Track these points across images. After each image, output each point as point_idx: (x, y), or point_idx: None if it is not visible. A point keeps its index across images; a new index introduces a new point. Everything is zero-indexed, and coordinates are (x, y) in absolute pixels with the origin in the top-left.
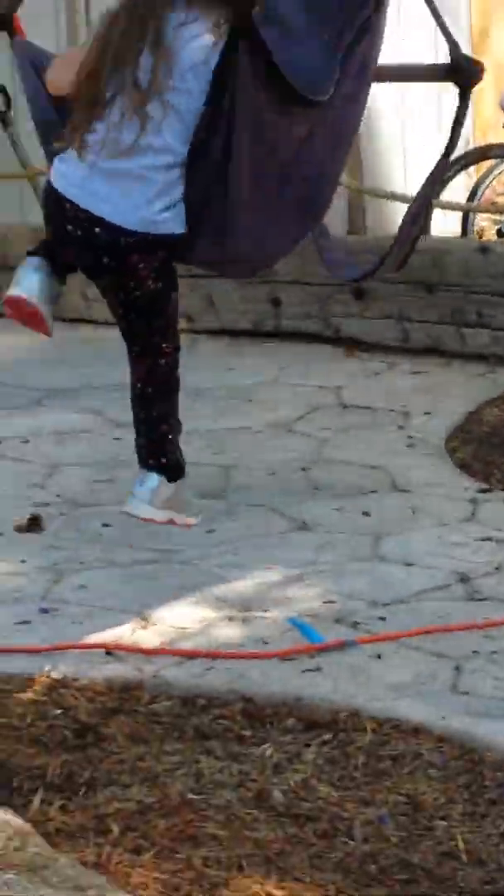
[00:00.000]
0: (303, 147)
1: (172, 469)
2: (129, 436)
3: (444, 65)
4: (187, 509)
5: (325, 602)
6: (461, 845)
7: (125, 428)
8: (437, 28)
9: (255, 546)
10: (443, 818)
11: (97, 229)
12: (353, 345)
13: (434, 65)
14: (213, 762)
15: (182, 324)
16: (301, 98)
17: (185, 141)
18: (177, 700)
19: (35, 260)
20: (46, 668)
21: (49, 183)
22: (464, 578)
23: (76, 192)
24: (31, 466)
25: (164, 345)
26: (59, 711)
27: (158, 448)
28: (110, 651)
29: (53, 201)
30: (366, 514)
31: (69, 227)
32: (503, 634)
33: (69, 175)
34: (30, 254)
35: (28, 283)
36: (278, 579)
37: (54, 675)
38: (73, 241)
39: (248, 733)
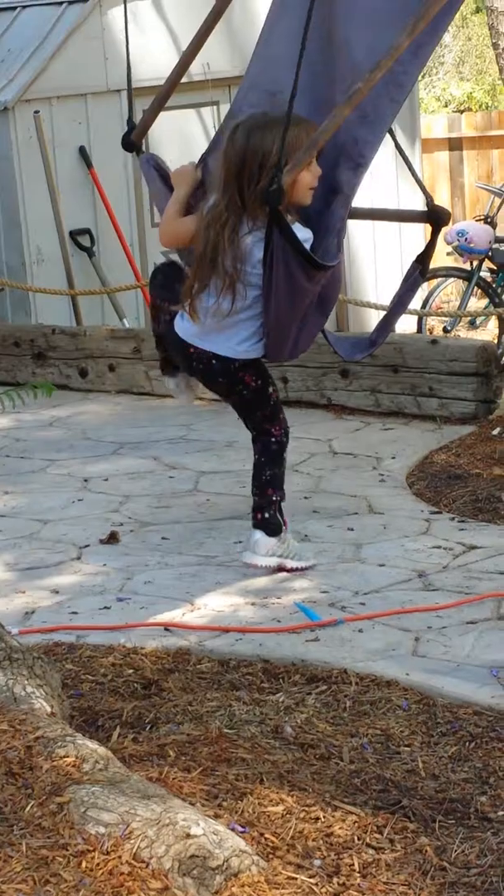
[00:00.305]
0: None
1: (271, 525)
2: (181, 475)
3: (423, 211)
4: (300, 555)
5: (321, 592)
6: (420, 765)
7: (178, 469)
8: (414, 181)
9: None
10: (407, 746)
11: (214, 361)
12: (339, 409)
13: (416, 210)
14: (241, 706)
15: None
16: (319, 264)
17: (257, 298)
18: (215, 662)
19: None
20: (122, 641)
21: (172, 330)
22: (421, 575)
23: (196, 340)
24: (109, 497)
25: (272, 429)
26: (131, 671)
27: (264, 506)
28: (168, 628)
29: (176, 342)
30: (350, 529)
31: (193, 363)
32: (449, 614)
33: (189, 328)
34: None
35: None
36: (288, 576)
37: (127, 645)
38: (197, 371)
39: (266, 685)
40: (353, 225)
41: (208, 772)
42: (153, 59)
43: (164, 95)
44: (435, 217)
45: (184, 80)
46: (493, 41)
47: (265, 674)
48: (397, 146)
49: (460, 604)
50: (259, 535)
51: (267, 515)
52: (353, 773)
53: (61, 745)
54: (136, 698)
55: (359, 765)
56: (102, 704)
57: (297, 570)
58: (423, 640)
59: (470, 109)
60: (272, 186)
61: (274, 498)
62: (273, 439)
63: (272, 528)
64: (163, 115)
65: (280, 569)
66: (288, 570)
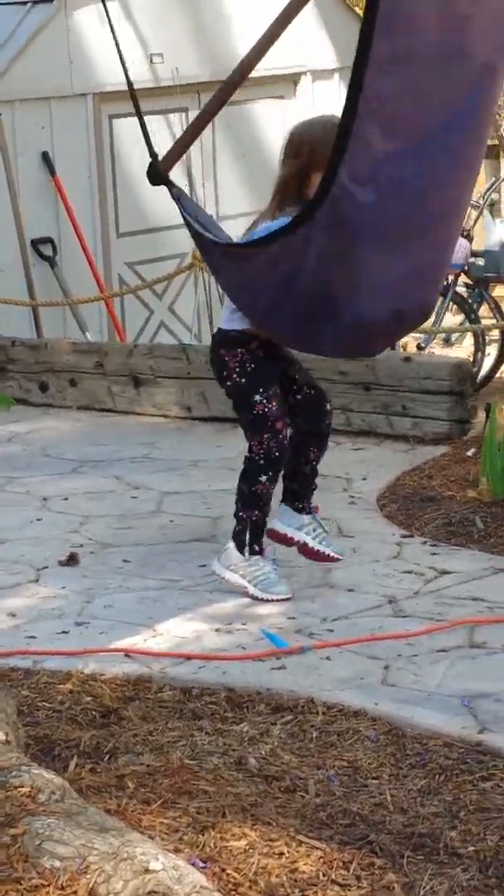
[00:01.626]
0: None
1: (238, 539)
2: (144, 495)
3: None
4: (268, 588)
5: (288, 618)
6: (389, 798)
7: (140, 489)
8: None
9: None
10: (375, 778)
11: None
12: None
13: None
14: (204, 736)
15: (183, 412)
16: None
17: None
18: (177, 690)
19: None
20: (80, 667)
21: None
22: (391, 600)
23: None
24: (69, 517)
25: (252, 443)
26: (89, 698)
27: (236, 519)
28: (128, 654)
29: None
30: None
31: None
32: (420, 642)
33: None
34: None
35: None
36: (254, 602)
37: (86, 671)
38: None
39: (230, 715)
40: None
41: (169, 804)
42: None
43: (213, 111)
44: None
45: (152, 85)
46: None
47: (229, 703)
48: None
49: (431, 631)
50: (231, 545)
51: (237, 528)
52: (319, 807)
53: (16, 774)
54: (94, 727)
55: (325, 798)
56: (59, 733)
57: (259, 599)
58: (392, 668)
59: None
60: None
61: (241, 514)
62: (249, 454)
63: (238, 543)
64: (127, 122)
65: (245, 592)
66: (250, 597)
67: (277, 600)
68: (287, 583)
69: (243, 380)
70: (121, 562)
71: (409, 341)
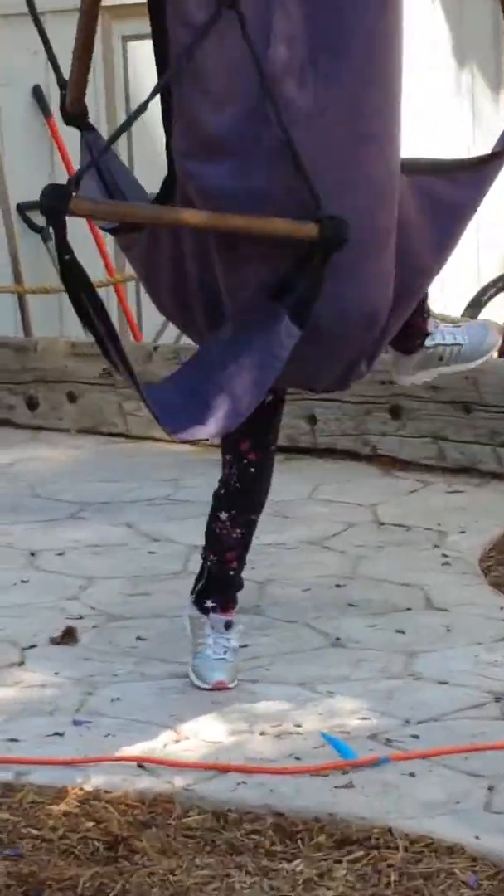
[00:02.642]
0: None
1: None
2: (165, 549)
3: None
4: (201, 672)
5: (358, 718)
6: None
7: (160, 541)
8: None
9: (287, 661)
10: None
11: None
12: (389, 462)
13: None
14: (244, 877)
15: (218, 439)
16: None
17: None
18: (208, 814)
19: None
20: (79, 781)
21: None
22: (498, 698)
23: None
24: (65, 578)
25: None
26: (90, 824)
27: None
28: (142, 764)
29: None
30: (400, 631)
31: None
32: None
33: None
34: None
35: None
36: (311, 695)
37: (87, 787)
38: None
39: (279, 848)
40: None
41: None
42: None
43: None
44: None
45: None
46: None
47: (277, 832)
48: None
49: None
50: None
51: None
52: None
53: None
54: (96, 863)
55: None
56: (50, 870)
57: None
58: (499, 789)
59: None
60: None
61: (202, 554)
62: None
63: (193, 586)
64: (147, 45)
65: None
66: None
67: (204, 689)
68: (230, 669)
69: None
70: (134, 640)
71: None
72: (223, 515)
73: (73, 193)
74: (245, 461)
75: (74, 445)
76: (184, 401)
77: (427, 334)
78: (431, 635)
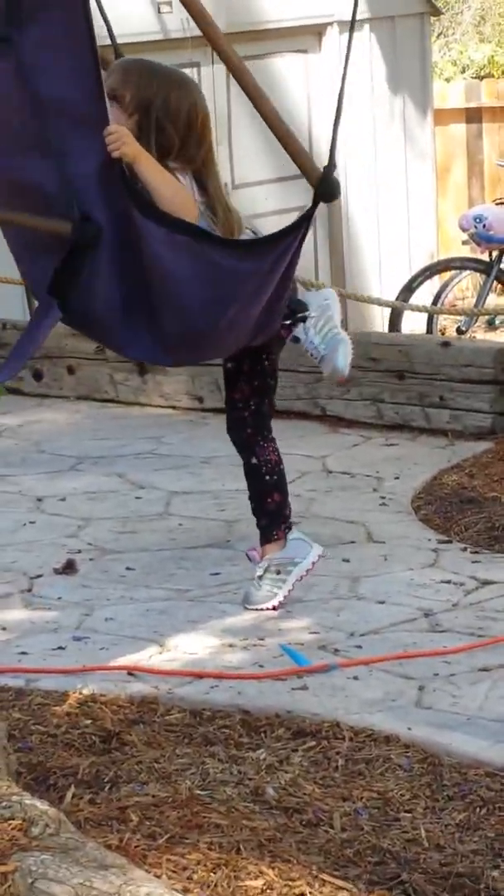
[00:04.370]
0: None
1: None
2: (150, 495)
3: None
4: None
5: (311, 633)
6: (423, 833)
7: (146, 489)
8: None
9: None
10: (408, 811)
11: None
12: (335, 421)
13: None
14: (216, 764)
15: (194, 403)
16: None
17: None
18: (186, 713)
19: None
20: (78, 686)
21: None
22: (427, 614)
23: None
24: (66, 520)
25: None
26: (88, 721)
27: None
28: (132, 672)
29: None
30: (346, 560)
31: None
32: (459, 660)
33: None
34: None
35: None
36: (272, 614)
37: (85, 691)
38: None
39: (245, 740)
40: (354, 205)
41: (176, 839)
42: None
43: None
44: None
45: (160, 37)
46: None
47: (244, 726)
48: None
49: (472, 647)
50: None
51: None
52: (345, 843)
53: (6, 805)
54: (93, 753)
55: (352, 833)
56: (55, 760)
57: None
58: (428, 689)
59: (491, 76)
60: None
61: None
62: None
63: None
64: None
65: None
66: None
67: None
68: (252, 592)
69: None
70: (124, 570)
71: (449, 324)
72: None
73: None
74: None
75: (73, 410)
76: None
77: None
78: (372, 563)
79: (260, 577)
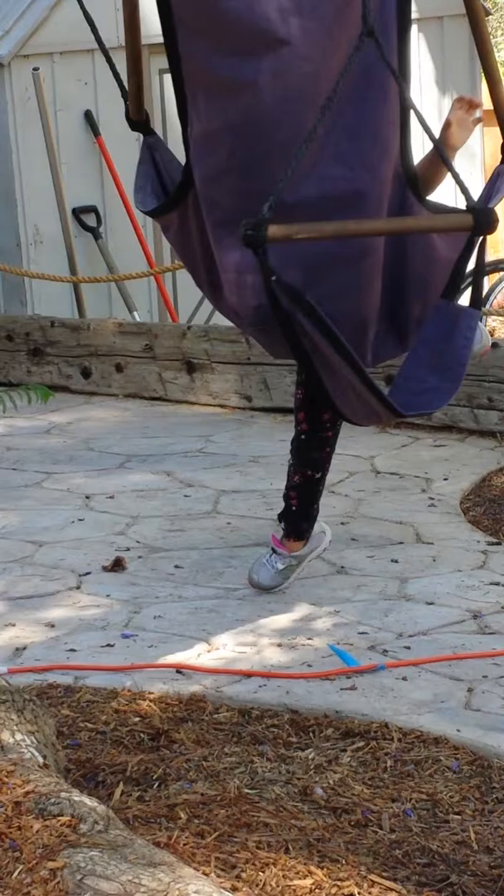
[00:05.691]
0: None
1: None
2: (198, 494)
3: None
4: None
5: (359, 633)
6: (472, 836)
7: (194, 487)
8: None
9: (300, 585)
10: (457, 813)
11: None
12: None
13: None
14: (264, 763)
15: (243, 402)
16: None
17: None
18: (235, 711)
19: None
20: (127, 684)
21: None
22: (476, 615)
23: None
24: (115, 517)
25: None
26: (137, 719)
27: None
28: (180, 670)
29: None
30: (394, 561)
31: None
32: None
33: None
34: None
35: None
36: (320, 614)
37: (133, 689)
38: None
39: (294, 739)
40: None
41: (225, 838)
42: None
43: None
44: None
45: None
46: None
47: (293, 726)
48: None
49: None
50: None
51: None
52: (394, 844)
53: (55, 801)
54: (142, 751)
55: (400, 834)
56: (103, 757)
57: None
58: (477, 691)
59: None
60: None
61: None
62: None
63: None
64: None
65: None
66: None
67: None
68: (268, 577)
69: None
70: (172, 568)
71: (498, 325)
72: (290, 460)
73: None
74: (299, 429)
75: (122, 408)
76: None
77: None
78: (420, 564)
79: (282, 569)
